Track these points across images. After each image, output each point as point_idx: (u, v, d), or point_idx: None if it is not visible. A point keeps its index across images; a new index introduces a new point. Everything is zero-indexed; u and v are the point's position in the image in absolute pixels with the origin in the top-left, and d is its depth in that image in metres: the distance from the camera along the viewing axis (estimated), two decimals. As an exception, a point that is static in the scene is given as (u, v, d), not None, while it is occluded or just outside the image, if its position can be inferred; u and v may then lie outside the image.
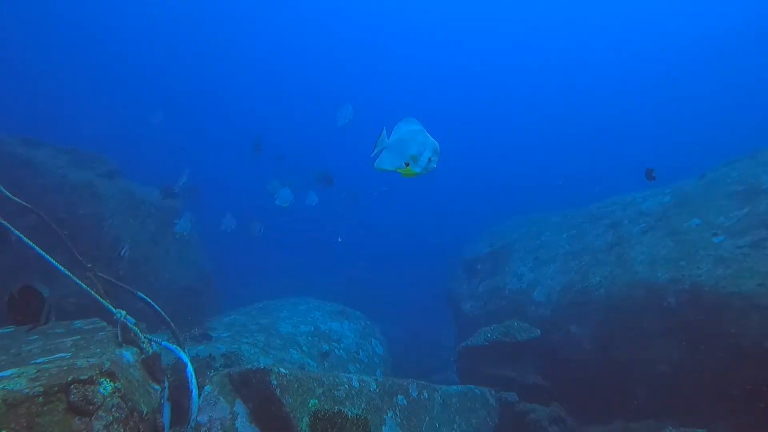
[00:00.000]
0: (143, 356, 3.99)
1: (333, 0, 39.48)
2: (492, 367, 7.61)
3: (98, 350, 3.63)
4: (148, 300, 4.83)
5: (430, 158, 3.30)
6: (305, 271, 19.16)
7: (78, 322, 4.80)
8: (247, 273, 17.96)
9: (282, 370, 4.33)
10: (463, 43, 42.06)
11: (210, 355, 6.09)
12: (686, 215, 7.26)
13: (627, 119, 38.72)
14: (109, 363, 3.29)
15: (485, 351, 7.61)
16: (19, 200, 4.68)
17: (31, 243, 4.02)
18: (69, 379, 3.01)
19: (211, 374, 4.31)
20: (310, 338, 7.59)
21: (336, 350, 7.68)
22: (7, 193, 4.59)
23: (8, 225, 4.07)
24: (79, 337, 4.08)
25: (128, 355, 3.85)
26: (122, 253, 7.68)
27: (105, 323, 4.57)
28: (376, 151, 3.41)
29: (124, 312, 4.18)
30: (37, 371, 3.10)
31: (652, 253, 7.00)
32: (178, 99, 35.40)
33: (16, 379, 2.97)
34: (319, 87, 40.19)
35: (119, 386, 3.25)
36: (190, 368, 3.93)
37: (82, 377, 3.06)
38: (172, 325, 4.89)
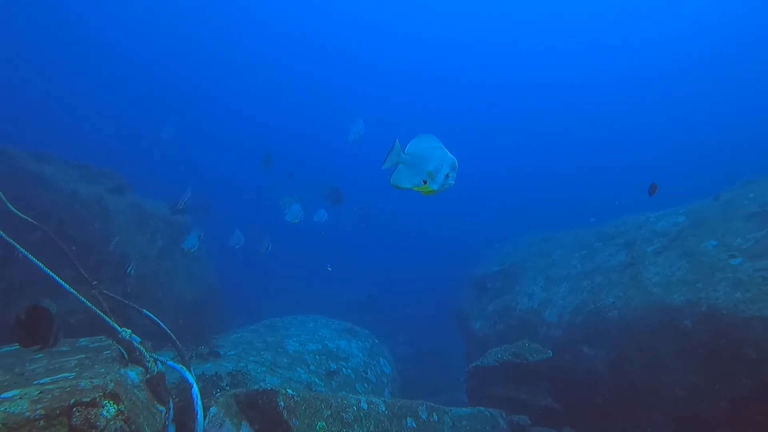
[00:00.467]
0: (148, 376, 3.91)
1: (347, 10, 39.60)
2: (502, 388, 7.47)
3: (102, 370, 3.56)
4: (154, 318, 4.76)
5: (447, 174, 3.20)
6: (313, 288, 19.08)
7: (83, 339, 4.73)
8: (255, 289, 17.90)
9: (289, 391, 4.24)
10: (469, 53, 41.93)
11: (216, 373, 6.00)
12: (702, 236, 7.12)
13: (641, 132, 38.45)
14: (113, 384, 3.21)
15: (496, 372, 7.46)
16: (25, 216, 4.63)
17: (36, 261, 3.96)
18: (71, 401, 2.93)
19: (217, 395, 4.22)
20: (317, 357, 7.48)
21: (344, 369, 7.56)
22: (13, 209, 4.55)
23: (14, 243, 4.03)
24: (83, 355, 4.01)
25: (133, 375, 3.77)
26: (129, 270, 7.64)
27: (110, 341, 4.50)
28: (387, 164, 3.33)
29: (129, 330, 4.11)
30: (40, 393, 3.03)
31: (667, 274, 6.86)
32: (189, 113, 35.59)
33: (18, 401, 2.90)
34: (329, 98, 40.30)
35: (123, 409, 3.17)
36: (195, 389, 3.85)
37: (84, 399, 2.98)
38: (178, 343, 4.80)
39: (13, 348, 4.62)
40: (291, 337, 7.81)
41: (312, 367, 7.17)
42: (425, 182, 3.24)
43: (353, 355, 8.07)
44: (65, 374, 3.49)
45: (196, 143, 33.77)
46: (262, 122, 39.64)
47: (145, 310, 4.81)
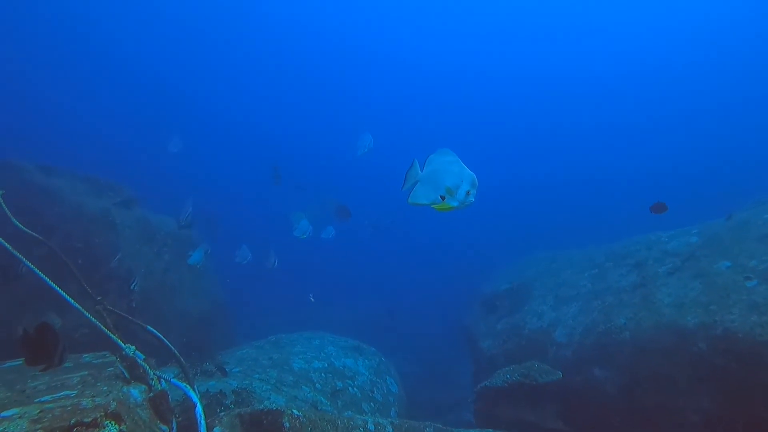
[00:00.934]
0: (151, 394, 3.84)
1: (360, 20, 39.50)
2: (511, 409, 7.33)
3: (105, 388, 3.49)
4: (158, 334, 4.70)
5: (468, 191, 3.13)
6: (319, 303, 18.96)
7: (87, 355, 4.67)
8: (261, 304, 17.79)
9: (295, 411, 4.15)
10: (485, 60, 41.51)
11: (221, 391, 5.91)
12: (715, 257, 7.00)
13: (653, 144, 38.04)
14: (115, 403, 3.14)
15: (504, 392, 7.33)
16: (29, 231, 4.59)
17: (43, 275, 3.92)
18: (72, 421, 2.86)
19: (221, 414, 4.14)
20: (323, 375, 7.37)
21: (350, 388, 7.45)
22: (18, 223, 4.51)
23: (21, 257, 3.99)
24: (86, 372, 3.95)
25: (136, 393, 3.70)
26: (133, 286, 7.59)
27: (114, 357, 4.44)
28: (407, 185, 3.26)
29: (133, 347, 4.05)
30: (40, 412, 2.96)
31: (680, 295, 6.74)
32: (197, 126, 35.57)
33: (17, 420, 2.84)
34: (341, 109, 40.21)
35: (124, 429, 3.09)
36: (199, 408, 3.77)
37: (85, 420, 2.91)
38: (182, 360, 4.73)
39: (17, 363, 4.56)
40: (297, 355, 7.71)
41: (318, 385, 7.06)
42: (443, 198, 3.17)
43: (359, 373, 7.95)
44: (67, 392, 3.43)
45: (204, 156, 33.73)
46: (271, 134, 39.60)
47: (149, 327, 4.75)
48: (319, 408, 6.45)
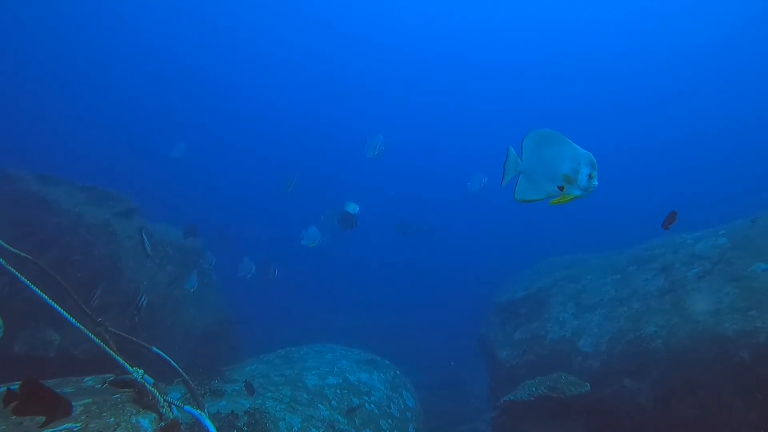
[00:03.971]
0: (162, 423, 3.46)
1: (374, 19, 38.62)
2: (536, 425, 6.95)
3: (112, 420, 3.12)
4: (164, 356, 4.33)
5: (590, 174, 2.69)
6: (327, 313, 18.60)
7: (89, 379, 4.29)
8: (268, 315, 17.35)
9: (320, 439, 3.78)
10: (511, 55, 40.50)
11: (232, 412, 5.53)
12: (749, 259, 6.66)
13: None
14: (123, 440, 2.77)
15: (529, 406, 6.94)
16: (16, 251, 4.23)
17: (42, 294, 3.55)
18: (75, 464, 2.49)
19: (239, 443, 3.77)
20: (338, 391, 6.98)
21: (366, 404, 7.06)
22: (3, 243, 4.13)
23: (17, 273, 3.62)
24: (90, 400, 3.57)
25: (146, 423, 3.33)
26: (141, 303, 7.21)
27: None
28: (507, 178, 2.82)
29: (141, 371, 3.68)
30: (38, 451, 2.59)
31: (714, 300, 6.39)
32: (202, 131, 34.82)
33: (13, 463, 2.47)
34: (362, 112, 39.40)
35: (135, 468, 2.73)
36: (216, 440, 3.39)
37: (91, 461, 2.54)
38: (190, 382, 4.36)
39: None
40: (310, 370, 7.32)
41: (333, 402, 6.67)
42: (561, 188, 2.73)
43: (375, 388, 7.56)
44: (69, 425, 3.05)
45: (210, 163, 32.87)
46: (285, 139, 38.47)
47: (154, 348, 4.38)
48: (336, 428, 6.07)
